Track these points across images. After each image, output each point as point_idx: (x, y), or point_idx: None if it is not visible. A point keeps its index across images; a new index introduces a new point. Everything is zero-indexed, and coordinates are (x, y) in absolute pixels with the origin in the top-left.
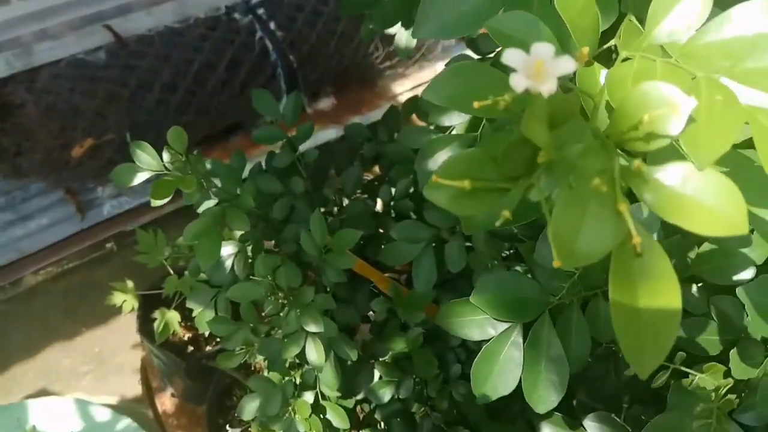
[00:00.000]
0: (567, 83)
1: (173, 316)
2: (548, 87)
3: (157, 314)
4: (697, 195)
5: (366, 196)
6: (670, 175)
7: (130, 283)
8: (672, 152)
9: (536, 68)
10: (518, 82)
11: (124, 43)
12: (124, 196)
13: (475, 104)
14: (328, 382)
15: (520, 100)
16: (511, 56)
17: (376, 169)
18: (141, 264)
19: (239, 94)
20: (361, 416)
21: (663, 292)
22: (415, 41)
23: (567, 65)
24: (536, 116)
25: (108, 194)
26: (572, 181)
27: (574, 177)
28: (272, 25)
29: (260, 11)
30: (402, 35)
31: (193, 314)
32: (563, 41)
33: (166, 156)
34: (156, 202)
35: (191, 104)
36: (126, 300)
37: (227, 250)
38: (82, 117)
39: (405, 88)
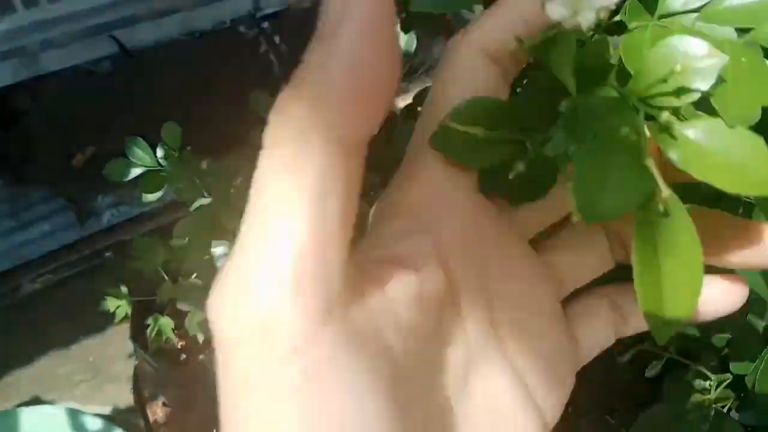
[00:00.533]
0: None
1: (166, 323)
2: (587, 17)
3: (150, 320)
4: (728, 152)
5: None
6: (699, 131)
7: (124, 289)
8: (698, 112)
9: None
10: (555, 10)
11: (130, 54)
12: (124, 204)
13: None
14: None
15: (549, 41)
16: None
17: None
18: (139, 275)
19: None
20: None
21: (686, 253)
22: (414, 44)
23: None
24: (565, 55)
25: (108, 203)
26: (597, 133)
27: (599, 128)
28: (277, 39)
29: (265, 25)
30: (401, 39)
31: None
32: None
33: (160, 152)
34: (148, 197)
35: (195, 115)
36: (120, 306)
37: (220, 250)
38: (85, 126)
39: (408, 102)
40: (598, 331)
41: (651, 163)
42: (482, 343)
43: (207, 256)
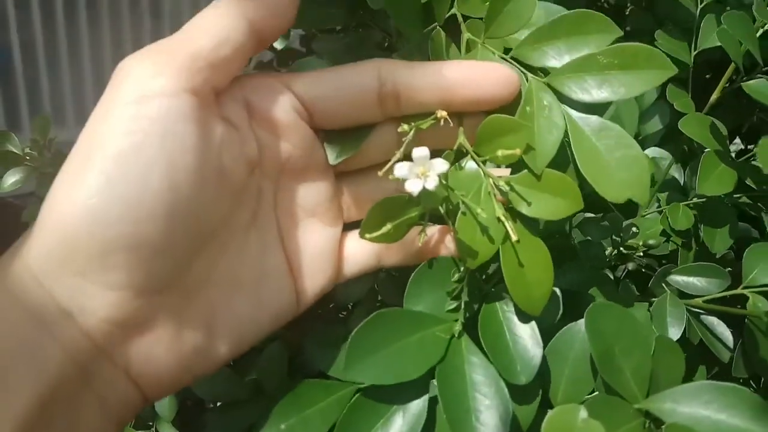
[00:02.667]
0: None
1: None
2: (431, 184)
3: None
4: (543, 189)
5: None
6: (520, 180)
7: None
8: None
9: (421, 172)
10: (413, 186)
11: None
12: None
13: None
14: None
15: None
16: (400, 170)
17: None
18: None
19: None
20: None
21: (538, 258)
22: None
23: (442, 166)
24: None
25: None
26: (466, 204)
27: (468, 201)
28: None
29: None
30: None
31: None
32: None
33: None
34: None
35: None
36: None
37: None
38: None
39: None
40: (363, 252)
41: (503, 217)
42: (268, 212)
43: None
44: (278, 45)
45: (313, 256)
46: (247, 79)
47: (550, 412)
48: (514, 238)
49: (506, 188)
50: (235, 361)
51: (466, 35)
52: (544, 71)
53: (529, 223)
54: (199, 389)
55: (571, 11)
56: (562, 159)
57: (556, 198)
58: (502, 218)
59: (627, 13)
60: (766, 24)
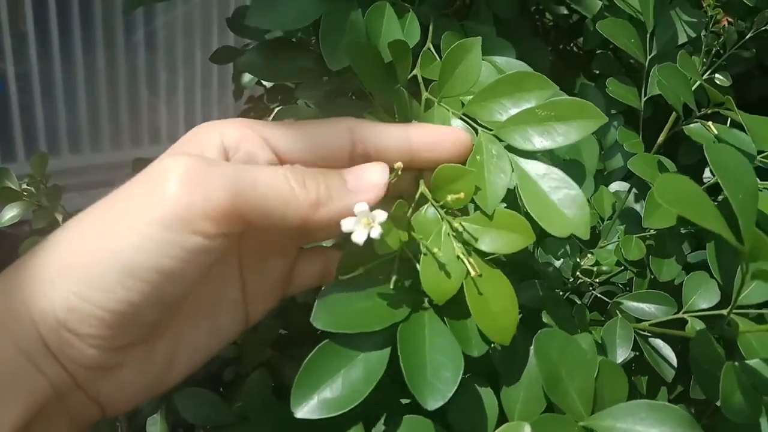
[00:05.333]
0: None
1: None
2: (375, 233)
3: None
4: (496, 226)
5: None
6: (474, 219)
7: None
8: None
9: (366, 221)
10: (358, 237)
11: None
12: None
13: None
14: None
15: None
16: (346, 225)
17: None
18: None
19: None
20: None
21: (501, 290)
22: None
23: (381, 215)
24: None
25: None
26: (425, 245)
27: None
28: None
29: None
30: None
31: None
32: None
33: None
34: None
35: None
36: None
37: None
38: None
39: None
40: (310, 273)
41: (462, 255)
42: (233, 252)
43: None
44: (268, 83)
45: (266, 284)
46: (228, 129)
47: (497, 430)
48: (473, 273)
49: (460, 229)
50: (224, 388)
51: (424, 95)
52: (494, 125)
53: (489, 259)
54: (190, 415)
55: (510, 72)
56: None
57: (510, 233)
58: (461, 256)
59: (595, 56)
60: (696, 80)
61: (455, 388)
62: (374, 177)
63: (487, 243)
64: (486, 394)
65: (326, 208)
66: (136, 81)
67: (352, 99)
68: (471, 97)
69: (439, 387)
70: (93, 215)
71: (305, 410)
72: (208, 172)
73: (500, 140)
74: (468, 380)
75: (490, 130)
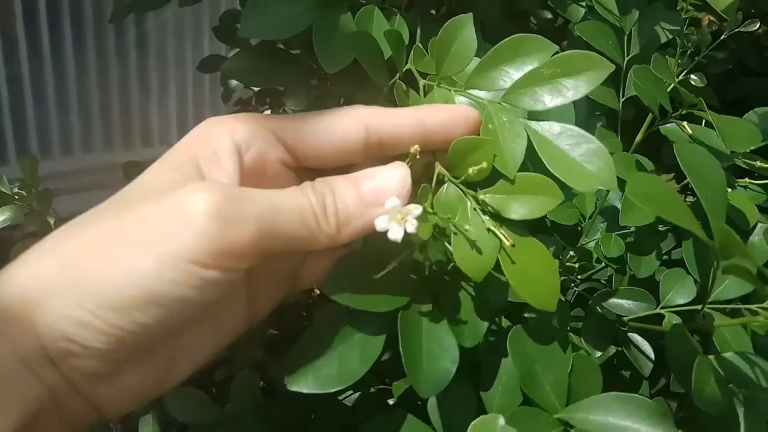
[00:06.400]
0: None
1: None
2: (411, 228)
3: None
4: (521, 191)
5: None
6: (498, 189)
7: None
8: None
9: (400, 216)
10: (395, 234)
11: None
12: None
13: None
14: None
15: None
16: (380, 224)
17: None
18: None
19: None
20: None
21: (537, 256)
22: None
23: (417, 209)
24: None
25: None
26: (454, 225)
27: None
28: None
29: None
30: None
31: None
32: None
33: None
34: None
35: None
36: None
37: None
38: None
39: None
40: (314, 276)
41: (492, 227)
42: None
43: None
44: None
45: (274, 283)
46: (238, 126)
47: (473, 422)
48: (507, 243)
49: (487, 200)
50: (216, 388)
51: (422, 82)
52: (500, 92)
53: (519, 227)
54: (183, 416)
55: (507, 39)
56: (532, 166)
57: (536, 197)
58: (492, 228)
59: None
60: (670, 82)
61: (450, 378)
62: (393, 184)
63: (516, 210)
64: (468, 386)
65: (348, 227)
66: (127, 83)
67: (340, 103)
68: (470, 73)
69: (434, 376)
70: (105, 231)
71: (300, 385)
72: (238, 209)
73: (508, 107)
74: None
75: (497, 98)
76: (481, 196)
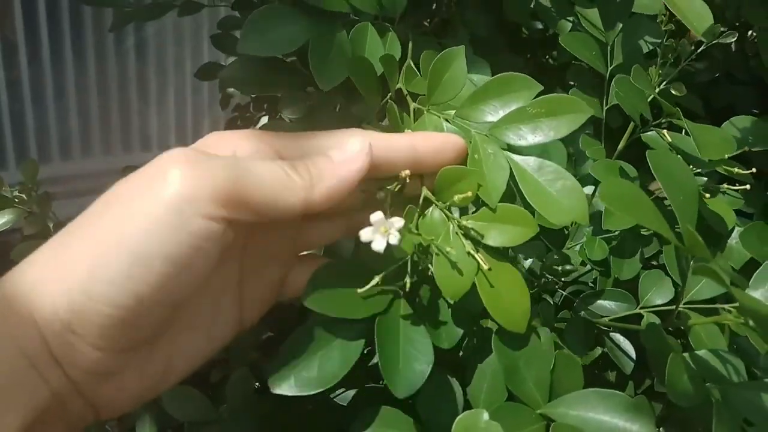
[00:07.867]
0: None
1: None
2: (394, 240)
3: None
4: (501, 220)
5: None
6: (479, 218)
7: None
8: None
9: (384, 229)
10: (378, 246)
11: None
12: None
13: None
14: None
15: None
16: (365, 235)
17: None
18: None
19: None
20: None
21: (512, 281)
22: None
23: (399, 222)
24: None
25: None
26: (436, 246)
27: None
28: None
29: None
30: None
31: None
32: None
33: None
34: None
35: None
36: None
37: None
38: None
39: None
40: (303, 281)
41: (471, 251)
42: (234, 259)
43: None
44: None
45: (262, 290)
46: (241, 143)
47: (458, 417)
48: (485, 267)
49: (469, 226)
50: (211, 389)
51: (412, 105)
52: (486, 125)
53: (498, 252)
54: (179, 414)
55: (496, 76)
56: (511, 197)
57: (514, 227)
58: (471, 252)
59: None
60: (650, 93)
61: (425, 379)
62: (356, 145)
63: (494, 237)
64: (453, 384)
65: (321, 184)
66: (126, 88)
67: (335, 113)
68: (458, 103)
69: (409, 378)
70: (94, 211)
71: (283, 387)
72: (209, 160)
73: (493, 139)
74: (436, 371)
75: (484, 130)
76: (463, 222)
